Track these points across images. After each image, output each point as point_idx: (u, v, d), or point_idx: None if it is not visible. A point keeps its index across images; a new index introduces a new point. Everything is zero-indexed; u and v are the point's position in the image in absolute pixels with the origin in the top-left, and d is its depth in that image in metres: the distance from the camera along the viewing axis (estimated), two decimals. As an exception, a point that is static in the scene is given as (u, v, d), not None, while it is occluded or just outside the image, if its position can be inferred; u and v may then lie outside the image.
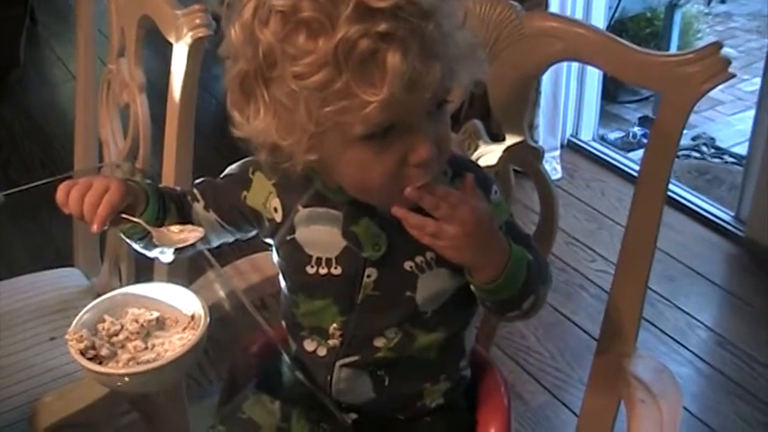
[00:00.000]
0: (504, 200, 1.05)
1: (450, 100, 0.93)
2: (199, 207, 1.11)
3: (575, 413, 1.98)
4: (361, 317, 1.04)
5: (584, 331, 2.30)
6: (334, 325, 1.06)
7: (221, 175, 1.12)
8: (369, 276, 1.02)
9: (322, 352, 1.09)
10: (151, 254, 1.10)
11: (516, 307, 1.00)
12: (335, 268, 1.02)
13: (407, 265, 1.01)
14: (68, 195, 1.01)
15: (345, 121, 0.86)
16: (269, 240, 1.09)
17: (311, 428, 1.10)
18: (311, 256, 1.03)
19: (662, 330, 2.35)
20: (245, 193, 1.08)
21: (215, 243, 1.15)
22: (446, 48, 0.87)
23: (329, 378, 1.09)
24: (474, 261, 0.96)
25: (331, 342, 1.07)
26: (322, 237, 1.02)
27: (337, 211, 1.01)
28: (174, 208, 1.09)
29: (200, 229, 1.05)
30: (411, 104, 0.86)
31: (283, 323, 1.15)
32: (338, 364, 1.08)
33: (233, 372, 1.24)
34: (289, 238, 1.04)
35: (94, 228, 1.01)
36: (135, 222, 1.03)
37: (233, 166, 1.11)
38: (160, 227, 1.05)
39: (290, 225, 1.04)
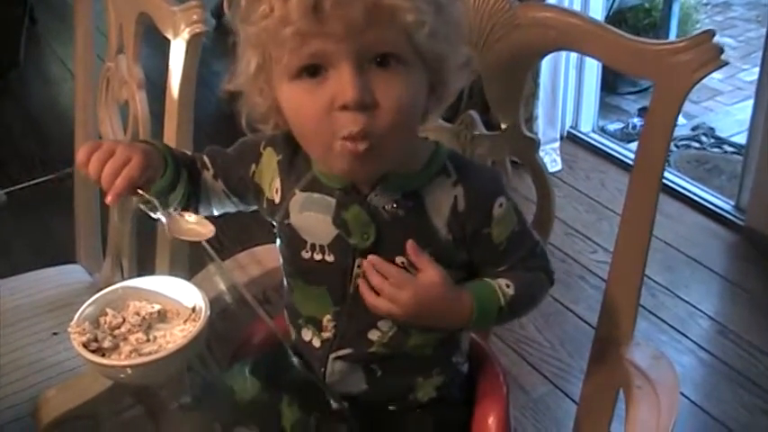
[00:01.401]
0: (512, 208, 1.04)
1: (392, 55, 0.91)
2: (208, 175, 1.12)
3: (575, 402, 1.98)
4: (354, 308, 1.04)
5: (585, 321, 2.31)
6: (328, 316, 1.07)
7: (233, 146, 1.13)
8: (359, 267, 1.02)
9: (317, 343, 1.09)
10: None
11: (502, 324, 1.09)
12: (329, 255, 1.03)
13: (399, 260, 1.01)
14: (89, 157, 1.00)
15: (278, 56, 0.91)
16: (269, 219, 1.10)
17: (302, 416, 1.11)
18: (306, 242, 1.04)
19: (662, 320, 2.36)
20: (254, 167, 1.09)
21: (217, 212, 1.15)
22: None
23: (323, 370, 1.10)
24: (434, 326, 1.04)
25: (324, 334, 1.08)
26: (313, 223, 1.03)
27: (331, 197, 1.02)
28: (185, 173, 1.08)
29: (211, 227, 1.04)
30: (329, 39, 0.87)
31: (285, 312, 1.15)
32: (332, 356, 1.08)
33: (233, 364, 1.25)
34: (286, 222, 1.06)
35: (108, 199, 1.00)
36: (148, 199, 1.02)
37: (246, 138, 1.11)
38: (170, 192, 1.05)
39: (285, 208, 1.05)
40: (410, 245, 0.99)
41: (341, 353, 1.08)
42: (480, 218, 1.02)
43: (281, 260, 1.12)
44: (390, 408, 1.13)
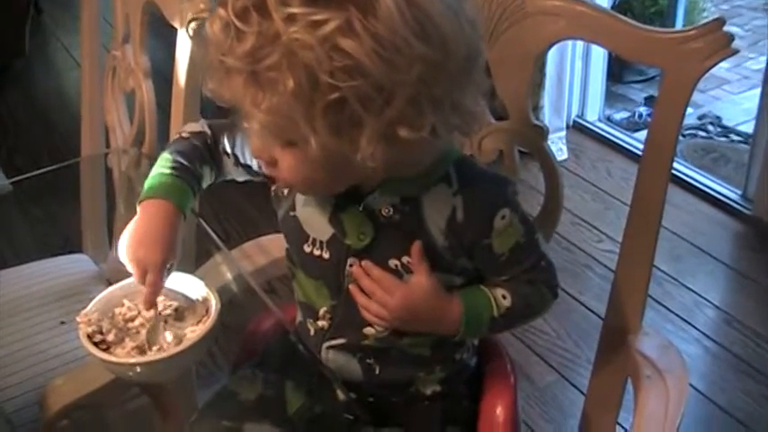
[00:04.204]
0: (517, 220, 1.01)
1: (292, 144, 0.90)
2: (229, 162, 1.13)
3: (582, 392, 1.98)
4: (349, 305, 1.04)
5: (591, 311, 2.30)
6: (324, 308, 1.08)
7: None
8: (351, 266, 1.02)
9: (311, 331, 1.10)
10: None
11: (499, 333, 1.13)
12: (325, 252, 1.03)
13: (392, 263, 1.01)
14: None
15: None
16: (276, 209, 1.10)
17: (306, 402, 1.11)
18: (309, 236, 1.05)
19: (669, 309, 2.36)
20: None
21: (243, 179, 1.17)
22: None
23: (318, 358, 1.10)
24: (422, 330, 1.05)
25: (320, 323, 1.09)
26: (313, 218, 1.04)
27: (333, 195, 1.01)
28: (207, 172, 1.11)
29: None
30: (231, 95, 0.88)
31: (294, 295, 1.16)
32: (325, 345, 1.09)
33: (240, 355, 1.25)
34: (291, 213, 1.06)
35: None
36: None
37: None
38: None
39: (292, 199, 1.06)
40: (416, 247, 0.98)
41: (334, 342, 1.09)
42: (479, 229, 1.00)
43: (285, 247, 1.12)
44: (394, 399, 1.13)
